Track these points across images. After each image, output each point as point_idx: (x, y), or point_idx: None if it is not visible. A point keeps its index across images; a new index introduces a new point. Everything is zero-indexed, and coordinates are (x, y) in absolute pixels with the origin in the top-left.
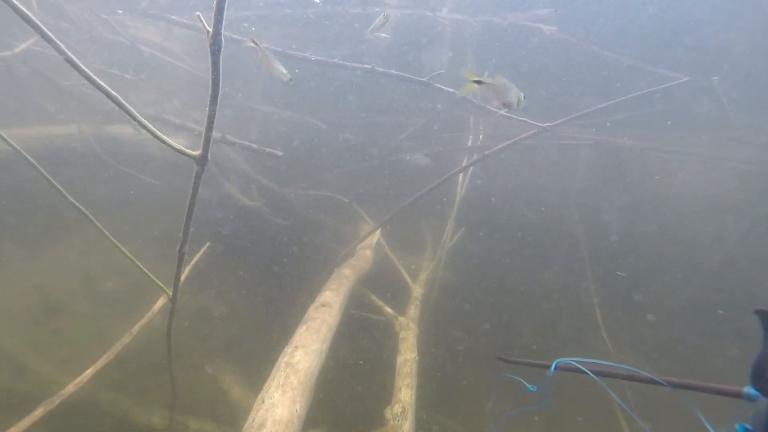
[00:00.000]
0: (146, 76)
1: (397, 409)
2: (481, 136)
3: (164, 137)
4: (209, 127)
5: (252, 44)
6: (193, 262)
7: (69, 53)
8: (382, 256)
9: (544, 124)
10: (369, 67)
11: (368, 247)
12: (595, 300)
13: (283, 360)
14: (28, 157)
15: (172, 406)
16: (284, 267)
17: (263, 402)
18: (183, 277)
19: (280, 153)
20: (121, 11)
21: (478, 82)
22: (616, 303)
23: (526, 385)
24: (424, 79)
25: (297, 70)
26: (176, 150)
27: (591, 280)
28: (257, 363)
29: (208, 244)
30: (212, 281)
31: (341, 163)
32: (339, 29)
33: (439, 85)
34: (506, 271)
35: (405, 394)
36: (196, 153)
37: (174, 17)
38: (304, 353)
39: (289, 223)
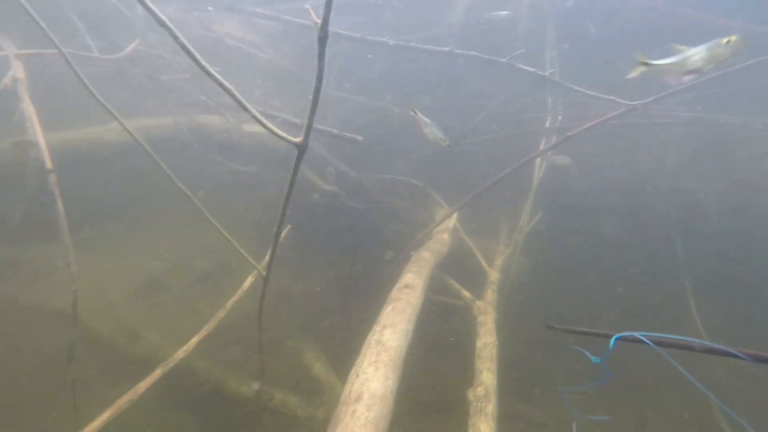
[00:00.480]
0: (230, 67)
1: (480, 391)
2: (560, 117)
3: (270, 125)
4: (312, 114)
5: (412, 113)
6: (271, 250)
7: (195, 52)
8: (456, 240)
9: (634, 102)
10: (447, 49)
11: (445, 230)
12: (690, 293)
13: (373, 338)
14: (146, 145)
15: (260, 377)
16: (360, 249)
17: (357, 376)
18: (267, 257)
19: (360, 138)
20: (211, 8)
21: (646, 64)
22: (714, 297)
23: (589, 356)
24: (504, 60)
25: (370, 56)
26: (279, 137)
27: (685, 269)
28: (336, 341)
29: (289, 227)
30: (292, 262)
31: (415, 147)
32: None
33: (520, 65)
34: (587, 258)
35: (487, 377)
36: (298, 140)
37: (258, 10)
38: (393, 332)
39: (365, 206)
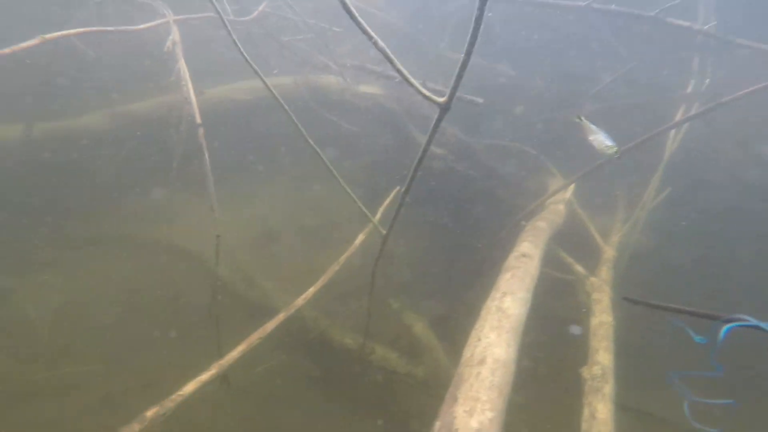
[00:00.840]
0: (350, 27)
1: (596, 370)
2: (707, 81)
3: (417, 85)
4: (459, 75)
5: (577, 119)
6: (385, 204)
7: (365, 26)
8: (570, 213)
9: None
10: (584, 4)
11: (560, 201)
12: None
13: (493, 304)
14: (284, 104)
15: (366, 331)
16: (466, 215)
17: (479, 340)
18: (377, 217)
19: (480, 100)
20: None
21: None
22: None
23: (693, 335)
24: (652, 14)
25: (490, 14)
26: (425, 97)
27: None
28: (438, 303)
29: (398, 188)
30: (398, 224)
31: (529, 113)
32: None
33: (670, 19)
34: (718, 240)
35: (603, 357)
36: (442, 100)
37: None
38: (513, 300)
39: (474, 173)
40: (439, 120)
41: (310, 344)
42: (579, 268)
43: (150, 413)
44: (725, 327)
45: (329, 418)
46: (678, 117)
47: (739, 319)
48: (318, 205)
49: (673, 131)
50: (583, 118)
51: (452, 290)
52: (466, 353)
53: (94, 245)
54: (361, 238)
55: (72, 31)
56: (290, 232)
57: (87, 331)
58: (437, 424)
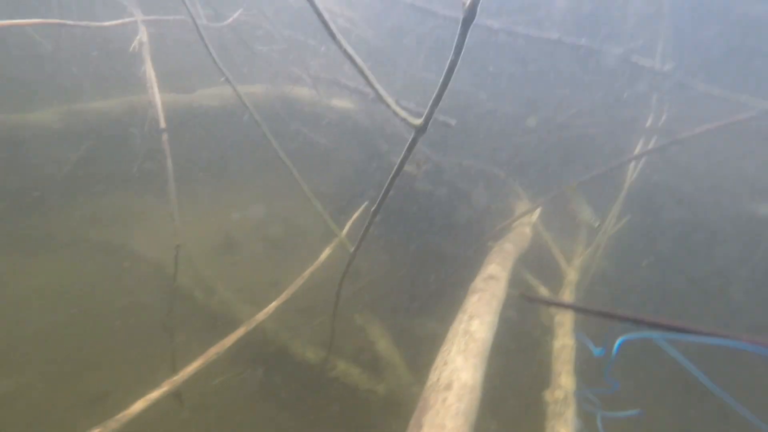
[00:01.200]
0: (322, 41)
1: (558, 394)
2: (664, 117)
3: (393, 105)
4: (437, 99)
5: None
6: (352, 220)
7: (343, 42)
8: (534, 236)
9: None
10: (556, 37)
11: (527, 224)
12: None
13: (460, 327)
14: (252, 109)
15: (329, 346)
16: (432, 235)
17: (446, 364)
18: (344, 232)
19: (453, 122)
20: None
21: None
22: None
23: (592, 348)
24: (619, 52)
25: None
26: (400, 118)
27: None
28: (402, 321)
29: (366, 203)
30: (364, 242)
31: (499, 136)
32: None
33: (635, 58)
34: (675, 268)
35: (566, 380)
36: (418, 122)
37: None
38: (480, 323)
39: (442, 192)
40: (413, 142)
41: (270, 358)
42: (543, 291)
43: None
44: (618, 341)
45: (290, 428)
46: (637, 150)
47: (636, 327)
48: (284, 216)
49: (632, 163)
50: (575, 189)
51: (417, 309)
52: (432, 377)
53: (44, 248)
54: (326, 252)
55: (27, 20)
56: (254, 243)
57: (28, 339)
58: None
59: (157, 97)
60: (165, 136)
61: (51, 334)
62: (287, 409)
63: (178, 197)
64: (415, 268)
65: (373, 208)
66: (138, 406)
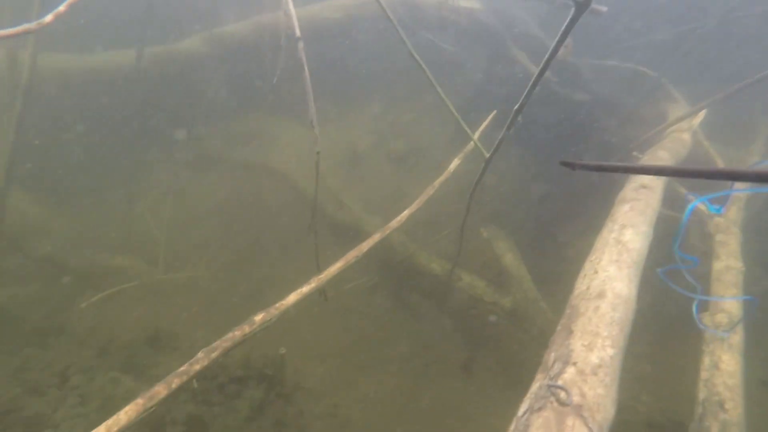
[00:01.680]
0: None
1: (720, 318)
2: None
3: None
4: None
5: None
6: (482, 127)
7: None
8: (693, 144)
9: None
10: None
11: (685, 130)
12: None
13: (610, 236)
14: (391, 16)
15: (455, 258)
16: (569, 144)
17: (596, 272)
18: (475, 136)
19: (604, 9)
20: None
21: None
22: None
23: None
24: None
25: None
26: None
27: None
28: (531, 235)
29: (495, 111)
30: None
31: (653, 25)
32: None
33: None
34: None
35: (730, 305)
36: None
37: None
38: (634, 233)
39: (581, 97)
40: (574, 20)
41: (398, 267)
42: (701, 207)
43: (258, 317)
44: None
45: (412, 336)
46: None
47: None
48: (407, 130)
49: None
50: None
51: (547, 222)
52: (580, 285)
53: (197, 167)
54: (456, 162)
55: None
56: (379, 156)
57: (194, 243)
58: (551, 356)
59: (292, 7)
60: (301, 44)
61: (212, 237)
62: (413, 315)
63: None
64: (549, 181)
65: (515, 107)
66: (292, 298)
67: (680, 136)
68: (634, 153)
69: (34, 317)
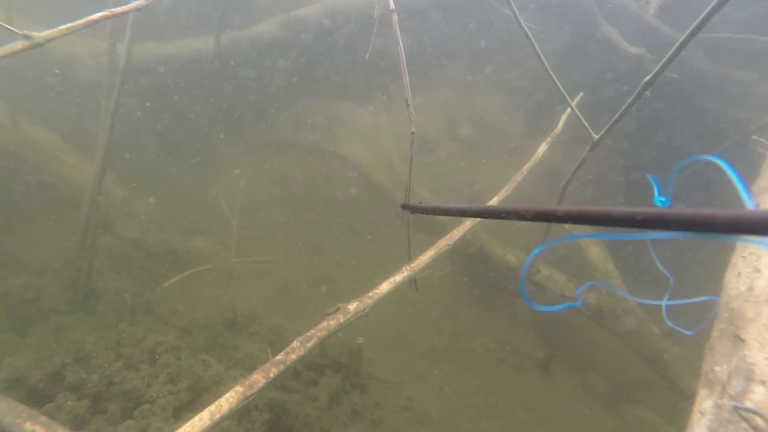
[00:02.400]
0: None
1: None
2: None
3: None
4: None
5: None
6: (567, 113)
7: None
8: None
9: None
10: None
11: None
12: None
13: None
14: None
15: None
16: (667, 127)
17: (759, 271)
18: (560, 126)
19: None
20: None
21: None
22: None
23: None
24: None
25: None
26: None
27: None
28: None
29: (581, 94)
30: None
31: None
32: None
33: None
34: None
35: None
36: None
37: None
38: None
39: (680, 76)
40: None
41: (472, 257)
42: None
43: (352, 306)
44: None
45: (489, 328)
46: None
47: None
48: (476, 115)
49: None
50: None
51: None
52: (736, 284)
53: (268, 150)
54: (543, 147)
55: None
56: (448, 142)
57: (266, 227)
58: (719, 368)
59: None
60: (395, 17)
61: (283, 224)
62: (489, 307)
63: (373, 97)
64: (639, 168)
65: (647, 78)
66: (385, 287)
67: None
68: (754, 137)
69: (125, 295)
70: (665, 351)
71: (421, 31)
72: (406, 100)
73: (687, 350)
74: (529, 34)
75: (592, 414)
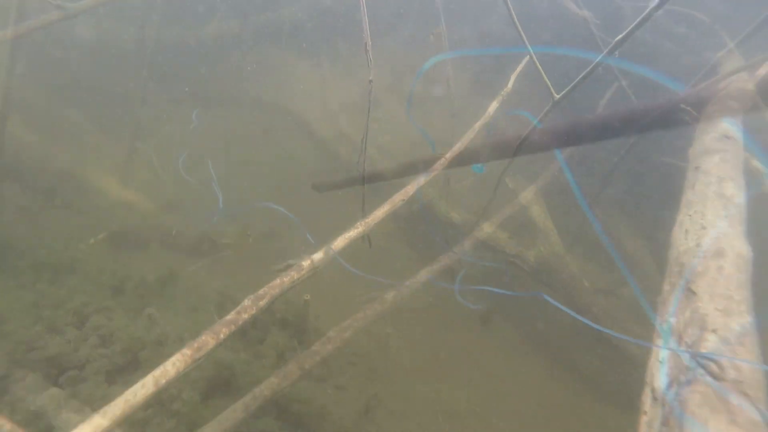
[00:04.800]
0: None
1: None
2: None
3: None
4: None
5: None
6: (516, 72)
7: None
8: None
9: None
10: None
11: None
12: None
13: (709, 189)
14: None
15: (480, 209)
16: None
17: (704, 228)
18: (509, 85)
19: None
20: None
21: None
22: None
23: None
24: None
25: None
26: None
27: None
28: (557, 190)
29: (527, 57)
30: (525, 96)
31: None
32: None
33: None
34: None
35: None
36: None
37: None
38: (735, 186)
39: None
40: None
41: (415, 215)
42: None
43: (306, 263)
44: None
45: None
46: None
47: None
48: (426, 73)
49: None
50: None
51: (585, 172)
52: (685, 241)
53: (219, 102)
54: (494, 105)
55: None
56: (394, 100)
57: (203, 182)
58: (675, 320)
59: None
60: None
61: (223, 180)
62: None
63: (319, 55)
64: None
65: (620, 36)
66: (339, 242)
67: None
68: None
69: (42, 252)
70: (594, 304)
71: None
72: (365, 45)
73: (613, 305)
74: None
75: (534, 364)
